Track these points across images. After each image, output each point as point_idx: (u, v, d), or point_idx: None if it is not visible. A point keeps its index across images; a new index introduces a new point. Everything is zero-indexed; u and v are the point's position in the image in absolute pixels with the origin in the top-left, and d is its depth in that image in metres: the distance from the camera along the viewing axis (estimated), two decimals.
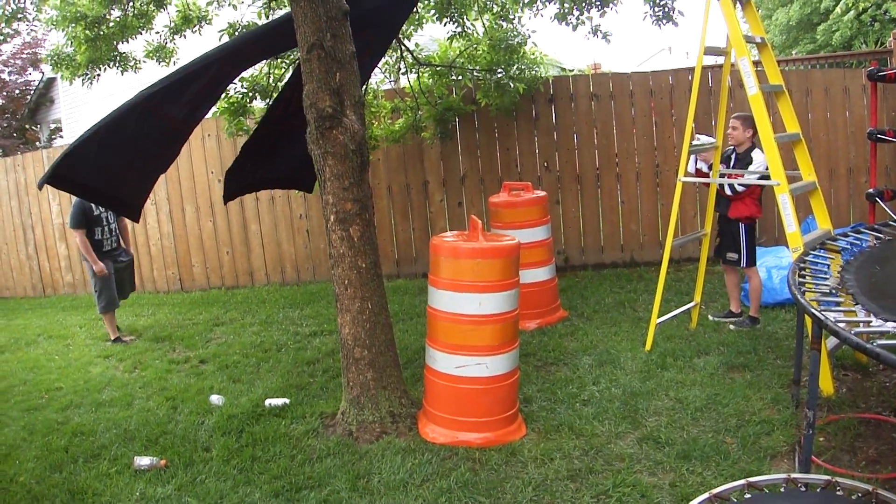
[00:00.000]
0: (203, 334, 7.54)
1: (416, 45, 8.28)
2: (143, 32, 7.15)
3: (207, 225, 9.84)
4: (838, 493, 2.50)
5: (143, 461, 4.39)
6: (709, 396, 4.67)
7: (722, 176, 5.86)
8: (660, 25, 6.54)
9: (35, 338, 8.24)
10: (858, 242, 4.21)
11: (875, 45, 17.09)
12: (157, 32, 7.29)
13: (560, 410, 4.69)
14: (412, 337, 6.60)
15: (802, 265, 3.80)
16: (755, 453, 3.92)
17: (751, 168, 5.78)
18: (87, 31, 6.75)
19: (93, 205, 7.11)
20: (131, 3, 6.86)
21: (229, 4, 7.45)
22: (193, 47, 7.19)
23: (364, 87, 6.96)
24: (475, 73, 7.74)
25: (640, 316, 6.62)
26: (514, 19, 7.61)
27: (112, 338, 7.56)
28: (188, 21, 7.17)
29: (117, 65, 7.24)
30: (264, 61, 7.28)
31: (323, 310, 8.04)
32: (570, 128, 8.79)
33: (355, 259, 4.53)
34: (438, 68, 8.00)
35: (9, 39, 18.47)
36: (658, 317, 5.72)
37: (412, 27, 7.78)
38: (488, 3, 7.61)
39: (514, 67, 7.44)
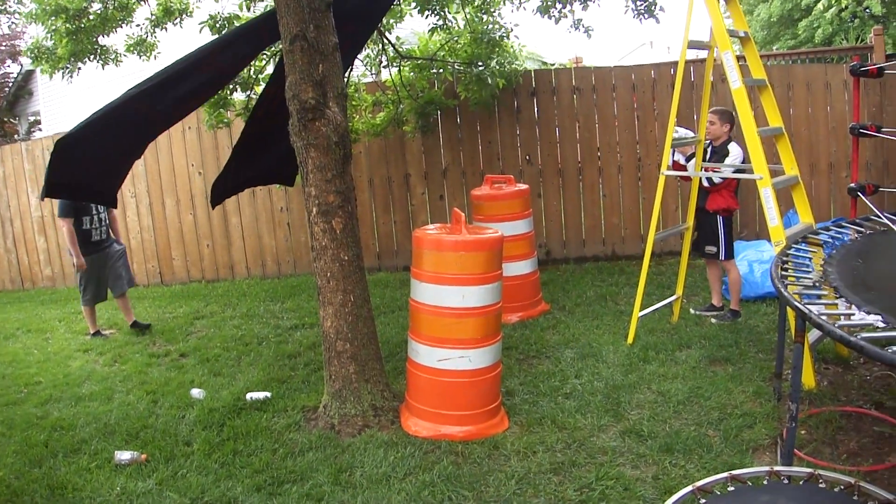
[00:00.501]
0: (183, 328, 7.48)
1: (398, 38, 8.22)
2: (124, 25, 7.05)
3: (188, 218, 9.77)
4: (821, 485, 2.51)
5: (124, 456, 4.34)
6: (691, 389, 4.69)
7: (703, 169, 5.88)
8: (641, 20, 6.54)
9: (14, 332, 8.13)
10: (840, 236, 4.23)
11: (856, 41, 17.23)
12: (139, 25, 7.19)
13: (542, 404, 4.69)
14: (394, 330, 6.59)
15: (785, 259, 3.81)
16: (737, 446, 3.94)
17: (727, 161, 5.82)
18: (67, 25, 6.65)
19: None
20: None
21: None
22: (174, 40, 7.13)
23: (346, 79, 6.93)
24: (456, 67, 7.71)
25: (621, 309, 6.64)
26: (494, 12, 7.58)
27: (91, 332, 7.47)
28: (169, 13, 7.08)
29: (98, 58, 7.15)
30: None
31: (304, 303, 8.01)
32: (553, 121, 8.79)
33: (338, 251, 4.50)
34: (420, 61, 7.97)
35: None
36: (640, 310, 5.74)
37: (393, 20, 7.73)
38: None
39: (494, 62, 7.42)
